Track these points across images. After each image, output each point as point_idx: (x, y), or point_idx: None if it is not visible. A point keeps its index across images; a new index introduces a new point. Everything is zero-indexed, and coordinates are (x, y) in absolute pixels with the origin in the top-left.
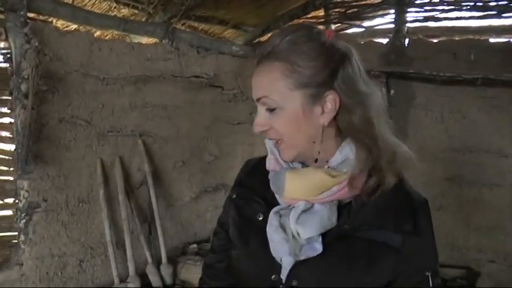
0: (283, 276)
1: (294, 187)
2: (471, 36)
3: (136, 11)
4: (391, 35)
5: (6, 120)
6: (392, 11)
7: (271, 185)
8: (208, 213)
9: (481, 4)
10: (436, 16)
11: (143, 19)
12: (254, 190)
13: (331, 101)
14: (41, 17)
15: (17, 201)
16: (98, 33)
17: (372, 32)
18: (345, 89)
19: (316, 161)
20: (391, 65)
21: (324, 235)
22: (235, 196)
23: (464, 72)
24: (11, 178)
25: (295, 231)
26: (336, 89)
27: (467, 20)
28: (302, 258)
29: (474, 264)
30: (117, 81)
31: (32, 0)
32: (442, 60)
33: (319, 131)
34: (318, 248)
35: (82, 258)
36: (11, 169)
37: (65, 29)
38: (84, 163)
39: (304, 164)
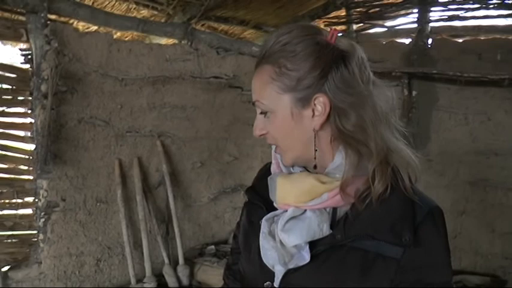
0: (276, 284)
1: (285, 192)
2: (498, 36)
3: (156, 12)
4: (414, 35)
5: (27, 120)
6: (416, 10)
7: (270, 190)
8: (226, 214)
9: (509, 2)
10: (461, 15)
11: (162, 20)
12: (261, 195)
13: (321, 104)
14: (62, 19)
15: (36, 200)
16: (117, 34)
17: (395, 32)
18: (337, 91)
19: (315, 166)
20: (413, 65)
21: (316, 244)
22: (247, 200)
23: (490, 73)
24: (31, 177)
25: (281, 238)
26: (326, 91)
27: (494, 18)
28: (291, 266)
29: (500, 272)
30: (135, 81)
31: (52, 2)
32: (466, 60)
33: (312, 135)
34: (306, 256)
35: (99, 258)
36: (31, 168)
37: (86, 30)
38: (103, 163)
39: (305, 169)
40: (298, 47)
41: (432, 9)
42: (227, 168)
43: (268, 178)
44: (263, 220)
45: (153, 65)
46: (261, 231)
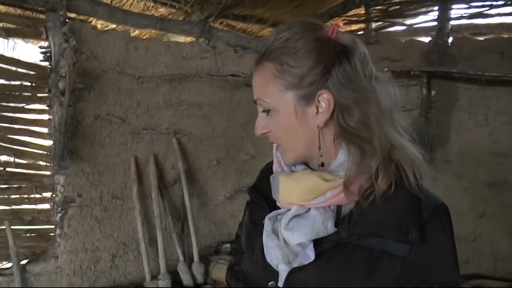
0: (281, 283)
1: (288, 191)
2: None
3: (174, 10)
4: (434, 33)
5: (46, 116)
6: (436, 7)
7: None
8: (242, 213)
9: None
10: (483, 12)
11: (180, 18)
12: (263, 194)
13: (324, 101)
14: (80, 17)
15: (54, 195)
16: (136, 32)
17: (414, 30)
18: (340, 87)
19: (322, 164)
20: (433, 64)
21: (320, 242)
22: (249, 199)
23: None
24: (49, 173)
25: (284, 236)
26: (329, 87)
27: None
28: (295, 265)
29: None
30: (152, 79)
31: (71, 1)
32: (488, 59)
33: (315, 133)
34: (310, 255)
35: (115, 254)
36: (50, 164)
37: (104, 28)
38: (119, 160)
39: (307, 167)
40: (299, 43)
41: (453, 6)
42: (244, 167)
43: (271, 177)
44: (266, 219)
45: (170, 63)
46: (264, 230)
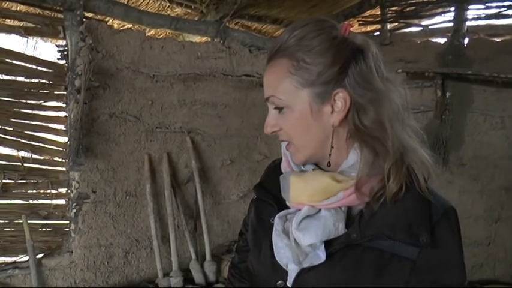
0: (289, 283)
1: (298, 191)
2: None
3: (189, 10)
4: (449, 34)
5: (62, 114)
6: (453, 8)
7: (281, 187)
8: None
9: None
10: (501, 13)
11: (196, 18)
12: (271, 192)
13: (341, 100)
14: (97, 17)
15: (69, 191)
16: (151, 32)
17: (430, 31)
18: (356, 86)
19: (329, 164)
20: (448, 65)
21: (331, 243)
22: (255, 197)
23: None
24: (65, 169)
25: (295, 236)
26: (346, 86)
27: None
28: (305, 265)
29: None
30: (166, 78)
31: (88, 0)
32: (504, 60)
33: (329, 132)
34: (321, 256)
35: (128, 250)
36: (65, 160)
37: (121, 28)
38: (133, 158)
39: (317, 167)
40: (314, 41)
41: (470, 7)
42: (257, 167)
43: (281, 177)
44: (276, 218)
45: (184, 63)
46: (274, 229)
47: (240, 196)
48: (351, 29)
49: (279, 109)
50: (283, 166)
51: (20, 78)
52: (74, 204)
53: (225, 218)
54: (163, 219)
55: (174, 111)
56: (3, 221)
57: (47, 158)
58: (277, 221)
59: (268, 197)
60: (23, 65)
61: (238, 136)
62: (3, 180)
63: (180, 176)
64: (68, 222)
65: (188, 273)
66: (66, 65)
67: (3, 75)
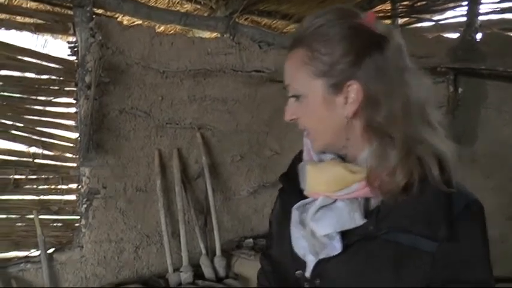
0: (308, 274)
1: (315, 181)
2: None
3: (199, 6)
4: (462, 29)
5: (73, 110)
6: (465, 2)
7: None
8: (266, 208)
9: None
10: None
11: (205, 14)
12: (294, 182)
13: (353, 91)
14: (107, 13)
15: (79, 187)
16: (161, 28)
17: (442, 26)
18: (370, 78)
19: (345, 155)
20: (460, 61)
21: (348, 235)
22: (280, 187)
23: None
24: (75, 165)
25: (311, 227)
26: (360, 78)
27: None
28: (322, 256)
29: None
30: (176, 74)
31: None
32: None
33: (344, 123)
34: (337, 247)
35: (138, 245)
36: (76, 156)
37: (131, 24)
38: (143, 153)
39: (337, 157)
40: (331, 30)
41: (483, 1)
42: (267, 163)
43: (300, 165)
44: (293, 209)
45: (194, 58)
46: (291, 220)
47: (250, 192)
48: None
49: (296, 97)
50: (304, 155)
51: (30, 75)
52: (84, 200)
53: (235, 214)
54: (174, 214)
55: (184, 107)
56: (15, 216)
57: (57, 153)
58: (294, 212)
59: (292, 187)
60: (33, 62)
61: (249, 132)
62: (15, 176)
63: (190, 171)
64: (78, 217)
65: (198, 269)
66: (77, 61)
67: (15, 72)
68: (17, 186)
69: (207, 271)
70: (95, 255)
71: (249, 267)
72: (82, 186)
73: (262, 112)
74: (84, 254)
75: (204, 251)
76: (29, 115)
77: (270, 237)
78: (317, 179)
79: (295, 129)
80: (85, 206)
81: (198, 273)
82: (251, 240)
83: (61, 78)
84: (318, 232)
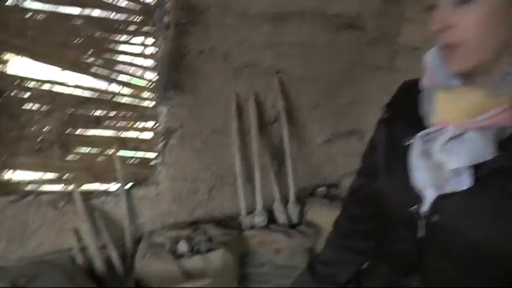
0: (425, 209)
1: (446, 108)
2: None
3: None
4: None
5: (150, 50)
6: None
7: (421, 105)
8: (339, 157)
9: None
10: None
11: None
12: (405, 112)
13: None
14: None
15: (156, 125)
16: None
17: None
18: None
19: (473, 81)
20: None
21: (477, 168)
22: (386, 117)
23: None
24: (153, 103)
25: (440, 159)
26: None
27: None
28: (447, 191)
29: None
30: (255, 17)
31: None
32: None
33: (508, 42)
34: (466, 181)
35: (212, 186)
36: (153, 95)
37: None
38: (220, 95)
39: (466, 81)
40: None
41: None
42: (343, 111)
43: (423, 91)
44: (417, 138)
45: (274, 1)
46: (413, 150)
47: (325, 140)
48: None
49: (463, 2)
50: (425, 80)
51: (110, 15)
52: (161, 138)
53: (309, 161)
54: (248, 158)
55: (262, 51)
56: (96, 151)
57: (135, 92)
58: (418, 141)
59: (402, 117)
60: (112, 3)
61: (325, 79)
62: (95, 113)
63: (266, 116)
64: (155, 155)
65: (271, 214)
66: (155, 1)
67: (94, 12)
68: (97, 123)
69: (280, 217)
70: (170, 193)
71: (321, 215)
72: (159, 125)
73: (340, 59)
74: (159, 191)
75: (277, 197)
76: (108, 54)
77: (363, 173)
78: (448, 106)
79: (372, 79)
80: (162, 144)
81: (271, 219)
82: (324, 188)
83: (140, 18)
84: (447, 165)
